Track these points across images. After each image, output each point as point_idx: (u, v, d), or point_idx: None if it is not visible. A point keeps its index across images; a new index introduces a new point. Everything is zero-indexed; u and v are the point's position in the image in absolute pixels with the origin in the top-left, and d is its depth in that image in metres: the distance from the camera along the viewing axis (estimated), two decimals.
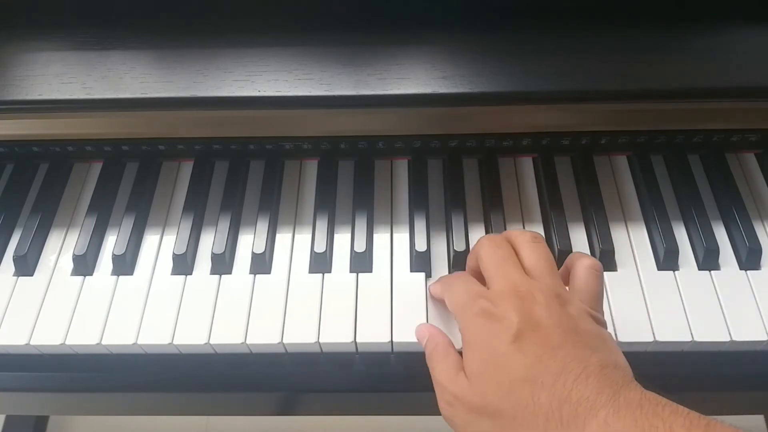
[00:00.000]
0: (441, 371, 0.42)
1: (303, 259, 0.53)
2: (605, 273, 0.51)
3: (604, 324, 0.41)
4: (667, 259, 0.52)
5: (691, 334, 0.48)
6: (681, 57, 0.50)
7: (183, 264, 0.53)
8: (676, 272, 0.51)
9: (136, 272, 0.53)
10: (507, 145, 0.58)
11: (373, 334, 0.48)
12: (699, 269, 0.52)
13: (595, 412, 0.34)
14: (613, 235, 0.53)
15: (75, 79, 0.50)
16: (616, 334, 0.48)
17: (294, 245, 0.54)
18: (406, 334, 0.48)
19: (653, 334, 0.48)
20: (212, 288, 0.51)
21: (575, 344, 0.37)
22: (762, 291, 0.50)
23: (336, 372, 0.49)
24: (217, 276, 0.52)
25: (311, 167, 0.60)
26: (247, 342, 0.48)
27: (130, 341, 0.49)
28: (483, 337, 0.39)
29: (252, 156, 0.60)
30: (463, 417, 0.39)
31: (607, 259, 0.52)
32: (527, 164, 0.59)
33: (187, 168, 0.60)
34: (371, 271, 0.52)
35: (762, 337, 0.48)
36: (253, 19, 0.54)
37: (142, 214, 0.56)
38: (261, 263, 0.52)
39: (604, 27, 0.52)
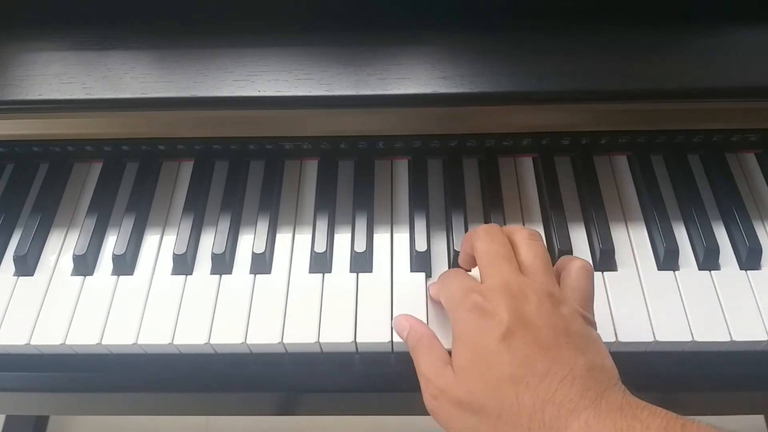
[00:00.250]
0: (427, 364, 0.42)
1: (303, 259, 0.53)
2: (605, 273, 0.51)
3: (594, 324, 0.41)
4: (667, 259, 0.52)
5: (691, 334, 0.48)
6: (681, 57, 0.50)
7: (183, 264, 0.53)
8: (676, 272, 0.51)
9: (136, 272, 0.53)
10: (507, 145, 0.58)
11: (373, 334, 0.48)
12: (699, 269, 0.52)
13: (577, 414, 0.35)
14: (613, 235, 0.53)
15: (75, 79, 0.50)
16: (616, 334, 0.48)
17: (294, 245, 0.54)
18: None
19: (653, 334, 0.48)
20: (212, 288, 0.51)
21: (564, 345, 0.37)
22: (762, 291, 0.50)
23: (336, 372, 0.49)
24: (217, 276, 0.52)
25: (311, 167, 0.60)
26: (247, 342, 0.48)
27: (130, 341, 0.49)
28: (473, 332, 0.40)
29: (252, 156, 0.60)
30: (448, 411, 0.40)
31: (607, 259, 0.52)
32: (527, 164, 0.59)
33: (187, 168, 0.60)
34: (371, 271, 0.52)
35: (762, 337, 0.48)
36: (253, 19, 0.54)
37: (142, 214, 0.56)
38: (261, 263, 0.52)
39: (604, 27, 0.52)
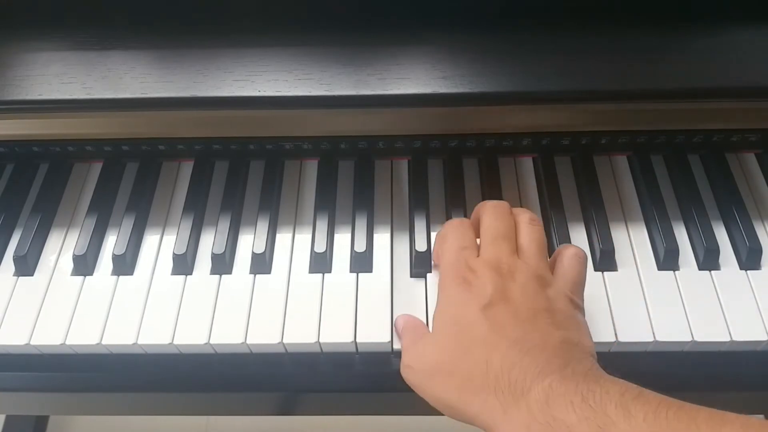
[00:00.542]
0: (407, 338, 0.45)
1: (303, 259, 0.53)
2: (605, 273, 0.51)
3: (581, 309, 0.43)
4: (667, 259, 0.52)
5: (691, 334, 0.48)
6: (681, 57, 0.50)
7: (183, 264, 0.53)
8: (676, 272, 0.51)
9: (136, 272, 0.53)
10: (507, 145, 0.58)
11: (373, 334, 0.48)
12: (699, 269, 0.52)
13: (542, 378, 0.36)
14: (613, 235, 0.53)
15: (75, 79, 0.50)
16: (616, 334, 0.48)
17: (294, 245, 0.54)
18: None
19: (653, 334, 0.48)
20: (212, 288, 0.51)
21: (542, 321, 0.39)
22: (762, 291, 0.50)
23: (336, 372, 0.49)
24: (217, 276, 0.52)
25: (311, 167, 0.60)
26: (247, 342, 0.48)
27: (130, 341, 0.49)
28: (456, 301, 0.42)
29: (252, 156, 0.60)
30: (421, 377, 0.41)
31: (607, 259, 0.52)
32: (527, 164, 0.59)
33: (187, 168, 0.60)
34: (371, 271, 0.52)
35: (762, 337, 0.48)
36: (253, 19, 0.54)
37: (142, 214, 0.56)
38: (261, 263, 0.52)
39: (604, 27, 0.52)
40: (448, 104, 0.50)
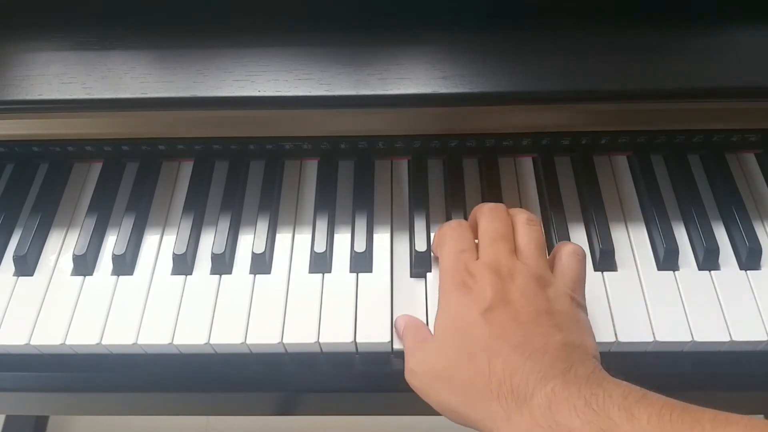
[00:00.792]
0: (409, 340, 0.45)
1: (303, 259, 0.53)
2: (605, 273, 0.51)
3: (583, 307, 0.43)
4: (667, 259, 0.52)
5: (691, 334, 0.48)
6: (681, 57, 0.50)
7: (183, 264, 0.53)
8: (676, 272, 0.51)
9: (136, 272, 0.53)
10: (507, 145, 0.58)
11: (373, 334, 0.48)
12: (699, 269, 0.52)
13: (544, 383, 0.36)
14: (613, 235, 0.53)
15: (75, 79, 0.50)
16: (616, 334, 0.48)
17: (294, 245, 0.54)
18: None
19: (653, 334, 0.48)
20: (212, 288, 0.51)
21: (544, 323, 0.39)
22: (762, 291, 0.50)
23: (336, 372, 0.49)
24: (217, 276, 0.52)
25: (311, 167, 0.60)
26: (247, 342, 0.48)
27: (130, 341, 0.49)
28: (457, 305, 0.42)
29: (252, 156, 0.60)
30: (425, 381, 0.41)
31: (607, 259, 0.52)
32: (527, 164, 0.59)
33: (187, 168, 0.60)
34: (371, 271, 0.52)
35: (762, 337, 0.48)
36: (253, 19, 0.54)
37: (142, 214, 0.56)
38: (261, 263, 0.52)
39: (604, 27, 0.52)
40: (448, 104, 0.50)
